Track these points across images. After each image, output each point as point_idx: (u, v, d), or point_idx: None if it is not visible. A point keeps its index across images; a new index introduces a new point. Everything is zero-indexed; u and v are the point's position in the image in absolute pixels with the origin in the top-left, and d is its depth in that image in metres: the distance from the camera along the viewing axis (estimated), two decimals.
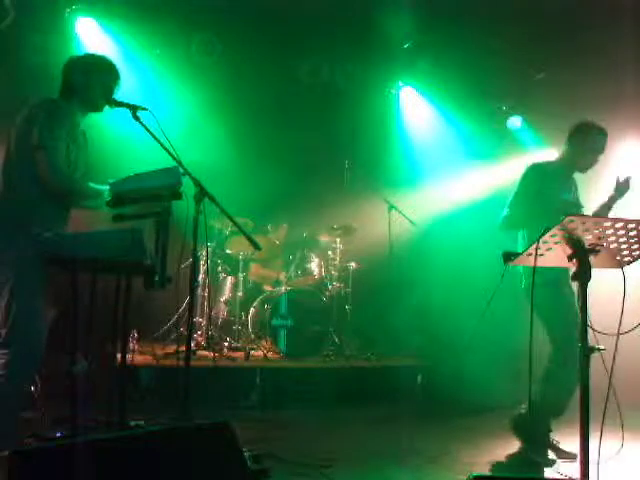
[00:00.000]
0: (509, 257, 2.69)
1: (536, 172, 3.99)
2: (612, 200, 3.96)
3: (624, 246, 2.53)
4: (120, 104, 3.25)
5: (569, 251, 2.51)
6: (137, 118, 3.19)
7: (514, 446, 3.87)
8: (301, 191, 6.93)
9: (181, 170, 3.12)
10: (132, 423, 3.52)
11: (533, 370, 2.58)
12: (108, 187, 3.17)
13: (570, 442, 3.68)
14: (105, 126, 5.01)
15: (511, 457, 3.81)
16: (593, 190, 4.46)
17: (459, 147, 7.57)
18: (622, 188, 3.94)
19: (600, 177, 4.52)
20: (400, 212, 6.39)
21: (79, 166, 3.25)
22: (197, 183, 3.15)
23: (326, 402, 5.08)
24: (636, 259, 2.66)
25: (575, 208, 3.92)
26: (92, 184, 3.24)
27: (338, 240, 6.75)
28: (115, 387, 3.24)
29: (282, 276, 6.68)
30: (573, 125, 4.02)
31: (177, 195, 3.13)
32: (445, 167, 7.37)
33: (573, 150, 4.00)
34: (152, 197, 3.17)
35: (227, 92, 6.85)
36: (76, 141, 3.21)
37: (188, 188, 3.15)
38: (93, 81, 3.23)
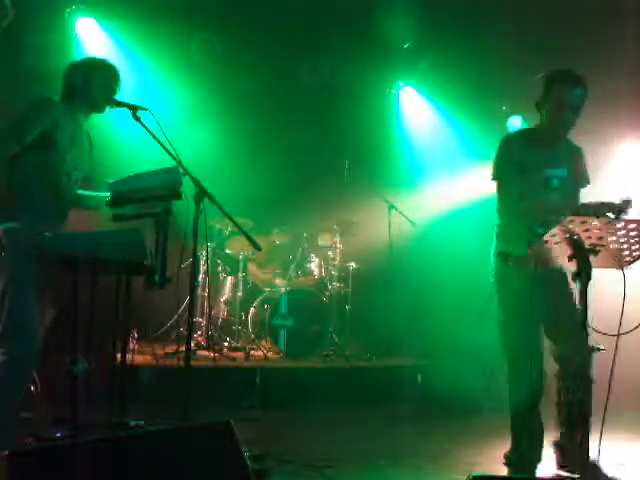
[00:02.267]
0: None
1: (511, 144, 3.32)
2: (602, 209, 3.21)
3: (624, 246, 2.53)
4: (120, 104, 3.25)
5: (569, 251, 2.51)
6: (137, 118, 3.19)
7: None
8: (301, 191, 6.93)
9: (181, 170, 3.12)
10: (132, 423, 3.52)
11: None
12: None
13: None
14: (105, 126, 5.01)
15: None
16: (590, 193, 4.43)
17: (459, 147, 7.57)
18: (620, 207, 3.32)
19: (598, 178, 4.49)
20: (400, 212, 6.39)
21: (80, 168, 3.27)
22: (197, 183, 3.14)
23: (326, 402, 5.07)
24: (636, 259, 2.66)
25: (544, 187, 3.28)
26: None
27: (338, 240, 6.75)
28: (115, 387, 3.23)
29: (282, 276, 6.67)
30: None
31: (177, 195, 3.13)
32: (445, 167, 7.36)
33: (545, 109, 3.25)
34: (152, 197, 3.18)
35: (227, 92, 6.85)
36: (78, 143, 3.22)
37: (188, 188, 3.15)
38: (94, 81, 3.24)
